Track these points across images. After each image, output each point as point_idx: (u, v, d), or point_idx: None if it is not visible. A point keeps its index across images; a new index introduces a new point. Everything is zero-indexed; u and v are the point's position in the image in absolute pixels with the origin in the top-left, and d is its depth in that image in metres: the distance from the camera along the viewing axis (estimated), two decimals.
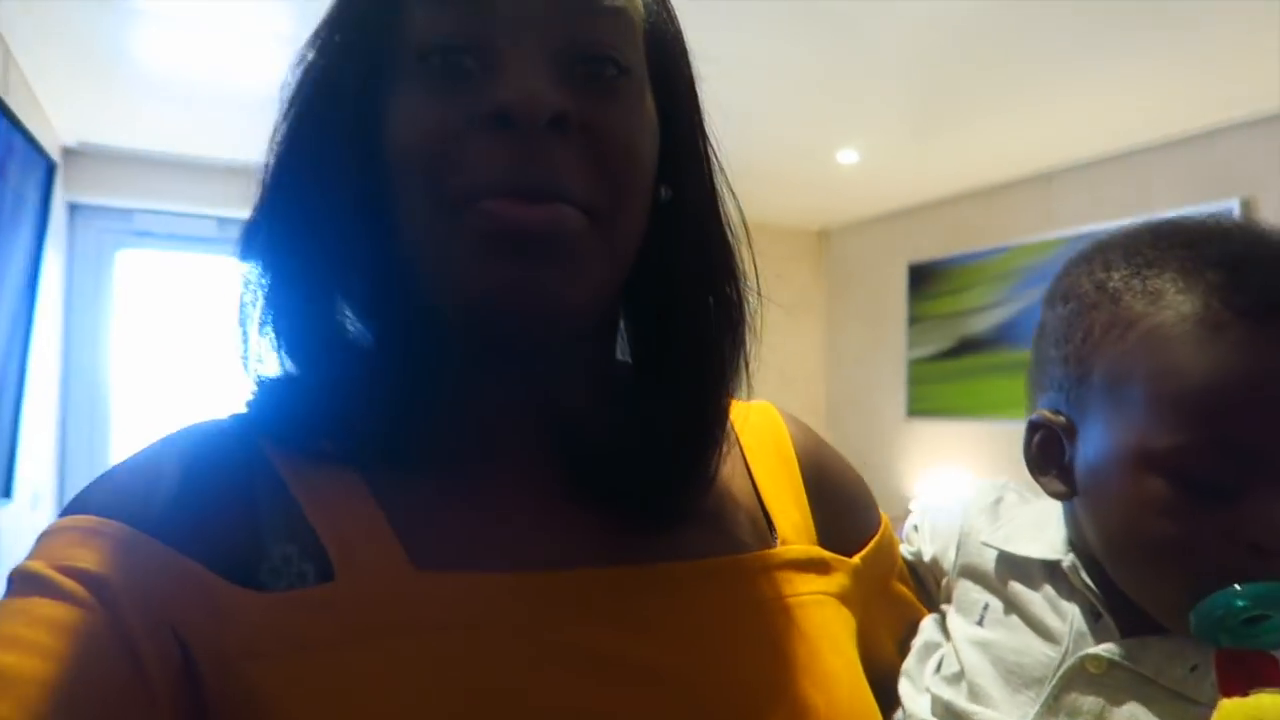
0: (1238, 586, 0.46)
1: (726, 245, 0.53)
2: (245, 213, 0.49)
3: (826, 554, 0.55)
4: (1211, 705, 0.45)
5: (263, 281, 0.48)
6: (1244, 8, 1.94)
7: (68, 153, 3.03)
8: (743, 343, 0.53)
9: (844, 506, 0.61)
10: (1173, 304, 0.50)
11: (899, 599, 0.64)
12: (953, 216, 3.61)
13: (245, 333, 0.48)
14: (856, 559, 0.58)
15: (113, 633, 0.39)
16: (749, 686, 0.46)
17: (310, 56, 0.48)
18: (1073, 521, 0.56)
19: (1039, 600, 0.56)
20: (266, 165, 0.48)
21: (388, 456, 0.46)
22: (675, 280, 0.51)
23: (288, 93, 0.48)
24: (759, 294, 0.54)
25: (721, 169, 0.53)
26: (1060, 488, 0.55)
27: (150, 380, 3.32)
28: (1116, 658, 0.51)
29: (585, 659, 0.44)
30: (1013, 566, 0.58)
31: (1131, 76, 2.34)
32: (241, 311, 0.48)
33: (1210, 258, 0.50)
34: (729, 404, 0.53)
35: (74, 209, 3.19)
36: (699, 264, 0.51)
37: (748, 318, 0.53)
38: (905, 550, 0.67)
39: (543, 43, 0.44)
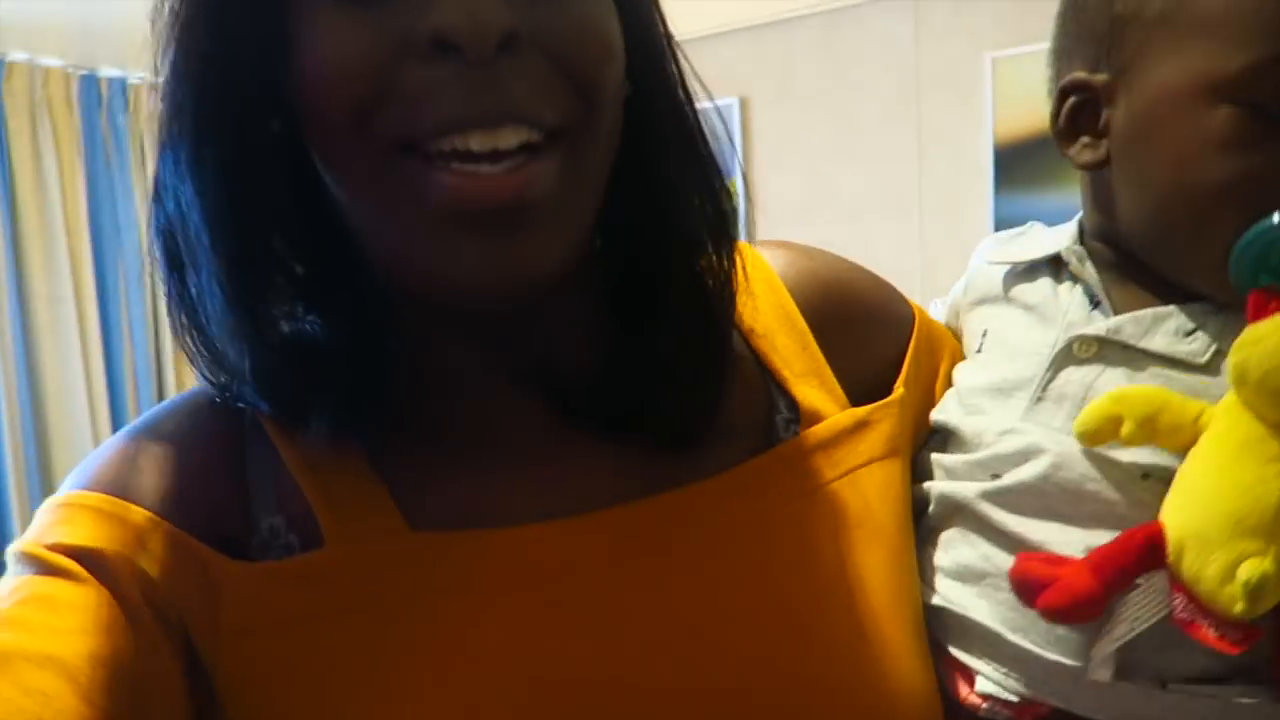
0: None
1: (702, 134, 0.47)
2: None
3: (860, 411, 0.51)
4: (1205, 370, 0.46)
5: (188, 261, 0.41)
6: None
7: None
8: (731, 240, 0.48)
9: (864, 327, 0.55)
10: None
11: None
12: None
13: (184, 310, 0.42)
14: (899, 388, 0.54)
15: (113, 606, 0.37)
16: (764, 623, 0.43)
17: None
18: (1097, 201, 0.54)
19: (1038, 296, 0.54)
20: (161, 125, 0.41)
21: (375, 426, 0.42)
22: (656, 181, 0.45)
23: (159, 46, 0.40)
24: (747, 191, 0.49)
25: (684, 54, 0.48)
26: (1093, 155, 0.51)
27: None
28: (1105, 334, 0.49)
29: (586, 615, 0.41)
30: (1019, 277, 0.56)
31: None
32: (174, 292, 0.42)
33: None
34: (731, 309, 0.48)
35: None
36: (677, 160, 0.46)
37: (731, 210, 0.48)
38: (945, 322, 0.62)
39: None
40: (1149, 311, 0.49)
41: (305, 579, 0.41)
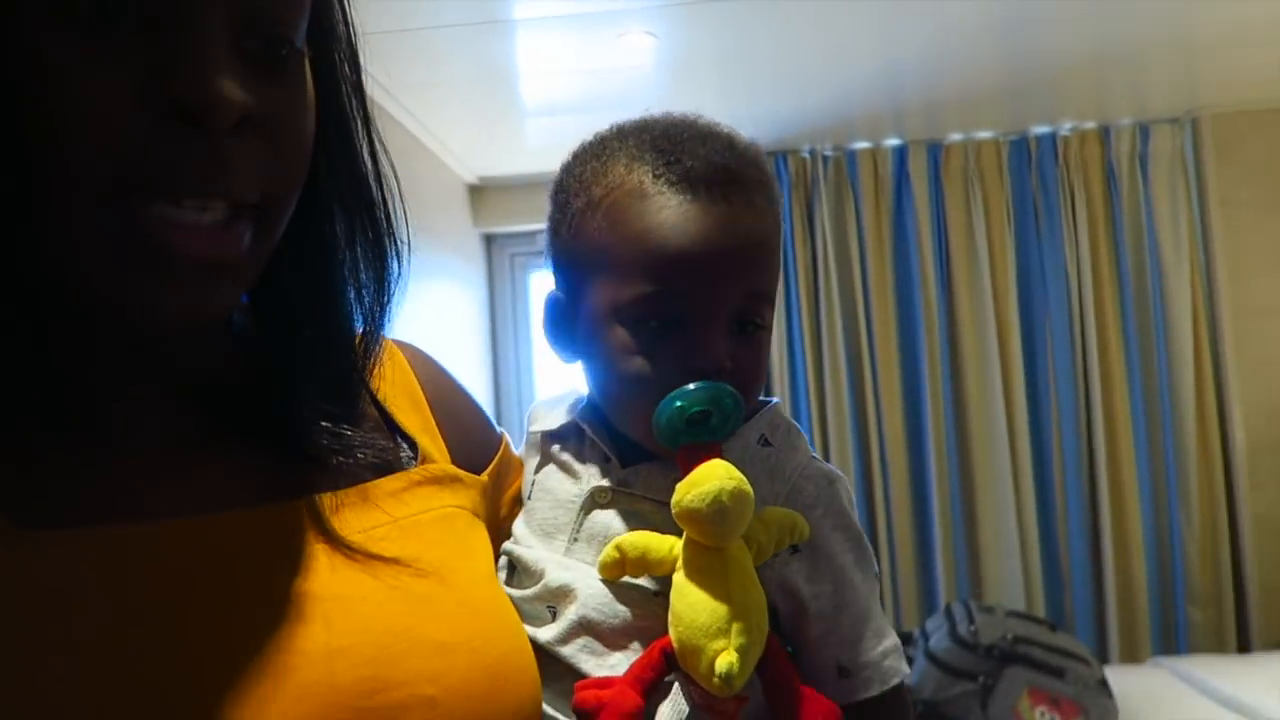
0: (675, 394, 0.57)
1: (362, 179, 0.52)
2: None
3: (461, 472, 0.60)
4: None
5: None
6: None
7: (473, 189, 3.22)
8: (384, 284, 0.54)
9: (469, 428, 0.66)
10: (624, 183, 0.62)
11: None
12: None
13: None
14: (484, 476, 0.63)
15: None
16: (372, 633, 0.45)
17: None
18: (587, 385, 0.67)
19: (569, 455, 0.68)
20: None
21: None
22: (311, 226, 0.50)
23: None
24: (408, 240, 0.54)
25: (371, 121, 0.53)
26: (563, 353, 0.67)
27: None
28: (615, 484, 0.64)
29: (162, 618, 0.41)
30: (549, 440, 0.70)
31: None
32: None
33: (649, 142, 0.63)
34: (372, 342, 0.55)
35: (488, 239, 3.37)
36: (340, 205, 0.51)
37: (390, 262, 0.54)
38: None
39: (217, 7, 0.40)
40: (644, 465, 0.64)
41: None
